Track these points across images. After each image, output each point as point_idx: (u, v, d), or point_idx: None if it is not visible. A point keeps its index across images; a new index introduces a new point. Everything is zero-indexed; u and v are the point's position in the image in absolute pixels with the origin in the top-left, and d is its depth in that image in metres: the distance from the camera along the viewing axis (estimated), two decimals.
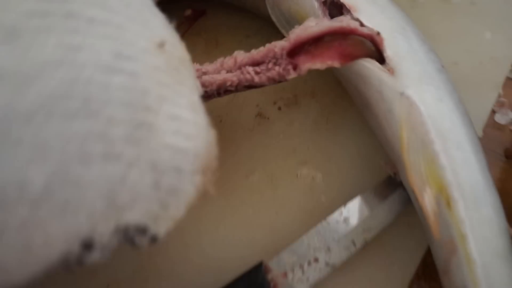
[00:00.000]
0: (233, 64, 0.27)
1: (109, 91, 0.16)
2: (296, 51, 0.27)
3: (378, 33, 0.28)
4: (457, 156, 0.26)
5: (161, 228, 0.18)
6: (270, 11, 0.34)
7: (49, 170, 0.14)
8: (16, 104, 0.13)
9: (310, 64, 0.26)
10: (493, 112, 0.34)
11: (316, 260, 0.27)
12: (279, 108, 0.34)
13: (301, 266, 0.27)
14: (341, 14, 0.30)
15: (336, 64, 0.27)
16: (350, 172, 0.32)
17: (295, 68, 0.26)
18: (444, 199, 0.25)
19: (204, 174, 0.20)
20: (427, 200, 0.26)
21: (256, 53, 0.27)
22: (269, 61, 0.27)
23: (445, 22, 0.38)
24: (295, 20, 0.31)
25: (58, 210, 0.14)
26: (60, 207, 0.15)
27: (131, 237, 0.17)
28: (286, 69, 0.26)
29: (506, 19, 0.38)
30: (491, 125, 0.34)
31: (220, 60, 0.27)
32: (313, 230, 0.28)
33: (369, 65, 0.28)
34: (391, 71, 0.28)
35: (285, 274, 0.27)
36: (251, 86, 0.27)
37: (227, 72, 0.26)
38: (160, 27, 0.20)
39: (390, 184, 0.30)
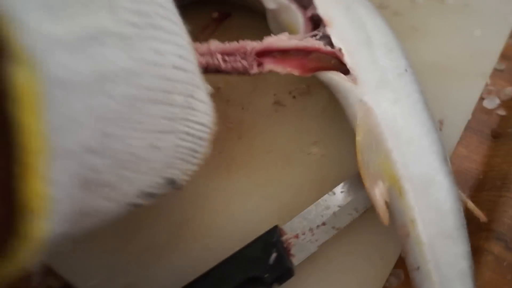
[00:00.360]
0: (206, 49, 0.30)
1: (176, 84, 0.21)
2: (264, 53, 0.30)
3: (340, 50, 0.31)
4: (408, 151, 0.29)
5: (184, 180, 0.24)
6: (269, 22, 0.37)
7: (146, 142, 0.20)
8: (128, 93, 0.18)
9: (273, 66, 0.30)
10: (482, 98, 0.38)
11: (324, 224, 0.31)
12: (294, 97, 0.39)
13: (311, 229, 0.31)
14: (318, 26, 0.33)
15: (296, 72, 0.30)
16: (354, 150, 0.36)
17: (259, 65, 0.30)
18: (397, 189, 0.29)
19: (209, 143, 0.26)
20: (378, 192, 0.29)
21: (229, 45, 0.30)
22: (238, 55, 0.30)
23: (441, 20, 0.42)
24: (287, 31, 0.34)
25: (143, 169, 0.20)
26: (145, 167, 0.20)
27: (164, 188, 0.23)
28: (251, 65, 0.30)
29: (495, 18, 0.42)
30: (480, 109, 0.38)
31: (197, 44, 0.30)
32: (321, 199, 0.32)
33: (335, 76, 0.32)
34: (354, 80, 0.31)
35: (297, 236, 0.31)
36: (217, 71, 0.30)
37: (201, 56, 0.30)
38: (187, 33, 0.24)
39: None
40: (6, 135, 0.14)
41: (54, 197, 0.15)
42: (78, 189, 0.17)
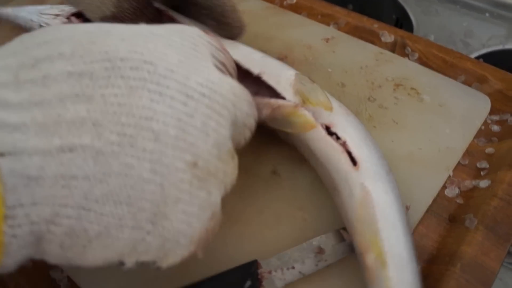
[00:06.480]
0: None
1: (141, 193, 0.25)
2: None
3: (345, 142, 0.40)
4: (391, 234, 0.35)
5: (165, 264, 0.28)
6: None
7: (131, 237, 0.25)
8: (88, 190, 0.24)
9: None
10: (445, 187, 0.45)
11: (293, 267, 0.38)
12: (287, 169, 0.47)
13: (282, 269, 0.38)
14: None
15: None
16: (332, 215, 0.43)
17: None
18: (380, 261, 0.35)
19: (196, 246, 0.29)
20: (369, 260, 0.35)
21: None
22: None
23: (418, 116, 0.49)
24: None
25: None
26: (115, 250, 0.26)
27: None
28: None
29: (464, 120, 0.49)
30: (442, 196, 0.45)
31: None
32: (295, 248, 0.39)
33: (342, 160, 0.39)
34: (357, 167, 0.38)
35: (270, 272, 0.38)
36: None
37: None
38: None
39: None
40: None
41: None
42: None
